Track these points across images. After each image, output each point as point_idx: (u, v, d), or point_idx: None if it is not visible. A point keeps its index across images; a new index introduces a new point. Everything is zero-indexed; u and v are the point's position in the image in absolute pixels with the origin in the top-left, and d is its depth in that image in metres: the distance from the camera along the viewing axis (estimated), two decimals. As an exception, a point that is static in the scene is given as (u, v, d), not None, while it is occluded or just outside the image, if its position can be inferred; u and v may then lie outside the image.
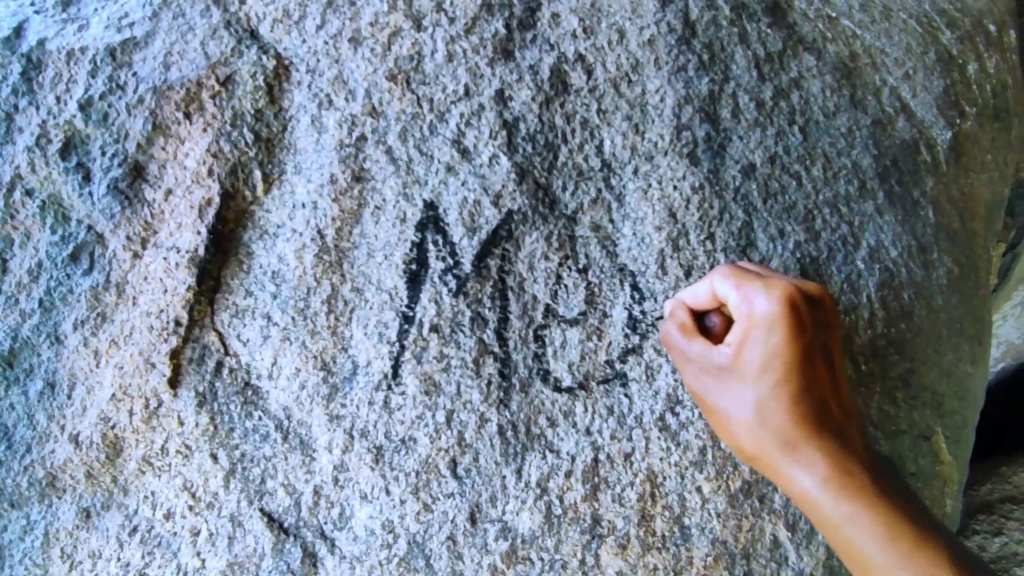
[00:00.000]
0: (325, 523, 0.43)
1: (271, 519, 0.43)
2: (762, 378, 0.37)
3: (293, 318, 0.46)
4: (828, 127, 0.62)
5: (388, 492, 0.44)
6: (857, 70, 0.70)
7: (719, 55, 0.62)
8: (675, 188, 0.54)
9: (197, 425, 0.44)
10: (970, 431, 0.61)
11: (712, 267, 0.51)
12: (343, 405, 0.45)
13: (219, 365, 0.45)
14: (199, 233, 0.46)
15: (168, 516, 0.43)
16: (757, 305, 0.38)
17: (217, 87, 0.49)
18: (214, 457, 0.43)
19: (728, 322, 0.42)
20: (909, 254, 0.58)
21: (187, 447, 0.43)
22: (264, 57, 0.51)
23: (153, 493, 0.43)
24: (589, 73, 0.57)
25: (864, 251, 0.56)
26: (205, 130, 0.48)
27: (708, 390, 0.40)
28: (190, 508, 0.43)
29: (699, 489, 0.46)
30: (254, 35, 0.52)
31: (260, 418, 0.44)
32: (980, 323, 0.66)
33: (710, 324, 0.43)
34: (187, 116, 0.48)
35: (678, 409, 0.47)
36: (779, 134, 0.60)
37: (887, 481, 0.36)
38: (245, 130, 0.49)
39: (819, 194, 0.58)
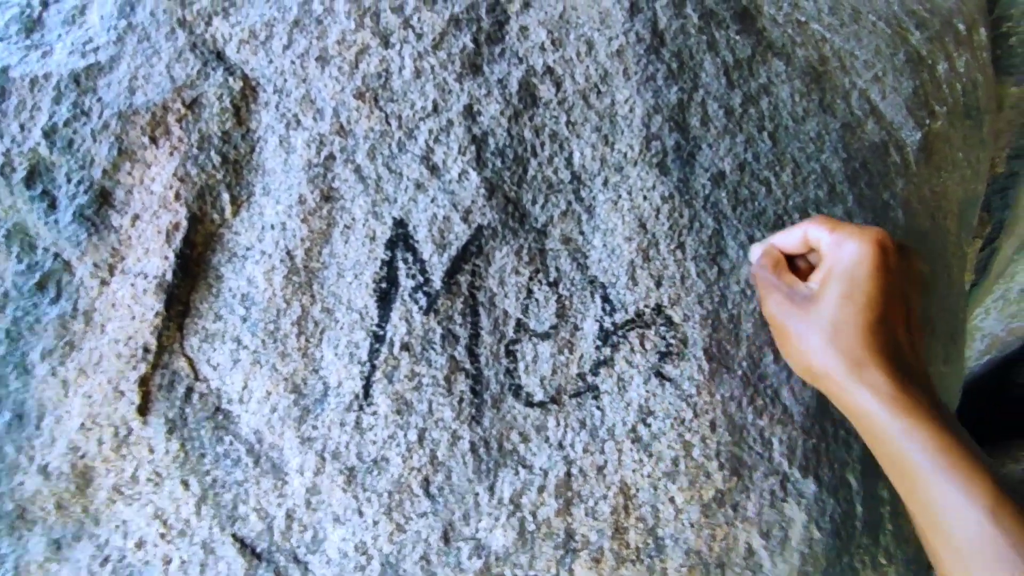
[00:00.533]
0: (298, 547, 0.43)
1: (244, 544, 0.43)
2: (842, 305, 0.40)
3: (263, 341, 0.46)
4: (797, 132, 0.63)
5: (361, 513, 0.43)
6: (826, 74, 0.71)
7: (688, 63, 0.62)
8: (645, 198, 0.54)
9: (167, 452, 0.43)
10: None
11: (682, 277, 0.52)
12: (314, 427, 0.45)
13: (189, 391, 0.45)
14: (167, 258, 0.46)
15: (140, 545, 0.43)
16: (848, 242, 0.41)
17: (183, 110, 0.49)
18: (185, 484, 0.43)
19: (811, 270, 0.45)
20: (879, 257, 0.59)
21: (158, 474, 0.43)
22: (231, 79, 0.51)
23: (124, 522, 0.43)
24: (558, 85, 0.57)
25: (834, 256, 0.57)
26: (171, 154, 0.48)
27: (786, 314, 0.43)
28: (162, 536, 0.43)
29: (672, 500, 0.46)
30: (220, 57, 0.52)
31: (231, 443, 0.44)
32: (954, 321, 0.66)
33: (796, 267, 0.46)
34: (153, 140, 0.48)
35: (650, 420, 0.47)
36: (748, 141, 0.60)
37: (945, 413, 0.39)
38: (212, 153, 0.49)
39: (789, 199, 0.58)
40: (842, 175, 0.62)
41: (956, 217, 0.79)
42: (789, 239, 0.46)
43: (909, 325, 0.41)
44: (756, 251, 0.50)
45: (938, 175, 0.76)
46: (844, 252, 0.41)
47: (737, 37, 0.66)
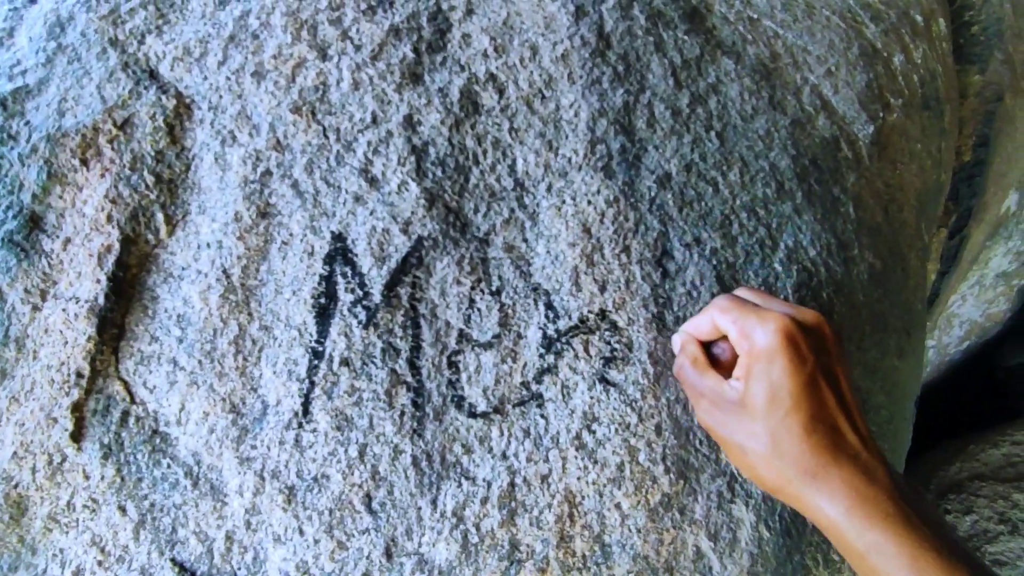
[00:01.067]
0: (239, 568, 0.43)
1: (183, 568, 0.42)
2: (771, 411, 0.38)
3: (200, 361, 0.45)
4: (746, 130, 0.63)
5: (302, 532, 0.43)
6: (777, 70, 0.71)
7: (635, 65, 0.62)
8: (589, 203, 0.54)
9: (103, 478, 0.43)
10: (900, 424, 0.61)
11: (627, 281, 0.51)
12: (253, 447, 0.44)
13: (125, 414, 0.44)
14: (99, 281, 0.45)
15: (77, 574, 0.42)
16: (756, 339, 0.39)
17: (115, 131, 0.49)
18: (122, 509, 0.43)
19: (735, 352, 0.42)
20: (828, 252, 0.59)
21: (94, 501, 0.43)
22: (164, 97, 0.51)
23: (62, 550, 0.43)
24: (501, 92, 0.57)
25: (782, 253, 0.57)
26: (103, 176, 0.47)
27: (721, 425, 0.41)
28: (99, 563, 0.42)
29: (618, 506, 0.46)
30: (153, 75, 0.51)
31: (169, 466, 0.44)
32: (909, 314, 0.66)
33: (719, 352, 0.44)
34: (84, 163, 0.47)
35: (595, 427, 0.47)
36: (696, 141, 0.60)
37: (912, 507, 0.37)
38: (145, 173, 0.48)
39: (736, 199, 0.58)
40: (791, 172, 0.62)
41: (915, 208, 0.80)
42: (700, 326, 0.45)
43: (843, 402, 0.40)
44: (676, 343, 0.47)
45: (893, 167, 0.77)
46: (756, 349, 0.39)
47: (685, 37, 0.66)
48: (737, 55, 0.69)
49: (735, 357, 0.43)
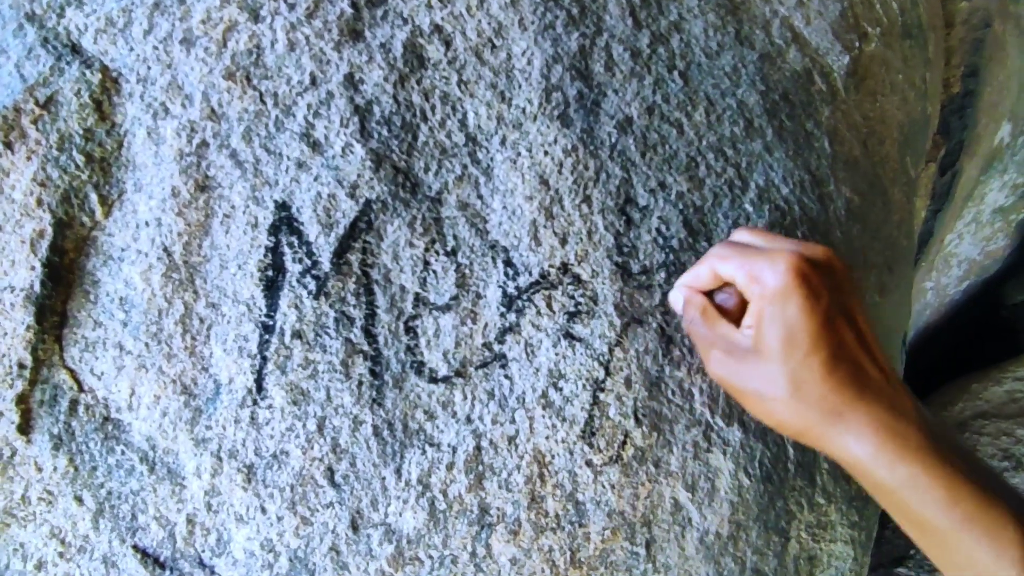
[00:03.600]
0: (203, 551, 0.42)
1: (146, 555, 0.41)
2: (789, 353, 0.36)
3: (147, 344, 0.44)
4: (711, 68, 0.60)
5: (264, 510, 0.42)
6: (744, 4, 0.67)
7: (590, 7, 0.59)
8: (546, 153, 0.52)
9: (56, 469, 0.42)
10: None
11: (589, 232, 0.49)
12: (208, 427, 0.43)
13: (73, 403, 0.43)
14: (33, 268, 0.43)
15: (40, 566, 0.41)
16: (766, 281, 0.37)
17: (38, 111, 0.46)
18: (79, 499, 0.42)
19: (740, 295, 0.41)
20: (802, 189, 0.56)
21: (49, 493, 0.42)
22: (88, 72, 0.48)
23: (22, 544, 0.42)
24: (447, 44, 0.54)
25: (752, 193, 0.54)
26: (29, 158, 0.45)
27: (736, 374, 0.39)
28: (61, 555, 0.41)
29: (590, 463, 0.44)
30: (76, 50, 0.49)
31: (123, 452, 0.42)
32: (892, 249, 0.64)
33: (723, 301, 0.41)
34: (7, 146, 0.45)
35: (561, 384, 0.45)
36: (657, 82, 0.57)
37: (942, 440, 0.35)
38: (75, 152, 0.46)
39: (702, 140, 0.56)
40: (760, 108, 0.59)
41: (898, 141, 0.77)
42: (700, 277, 0.42)
43: (862, 338, 0.38)
44: (676, 299, 0.44)
45: (873, 99, 0.73)
46: (768, 292, 0.37)
47: (644, -26, 0.63)
48: (701, -10, 0.65)
49: (741, 304, 0.41)
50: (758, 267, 0.38)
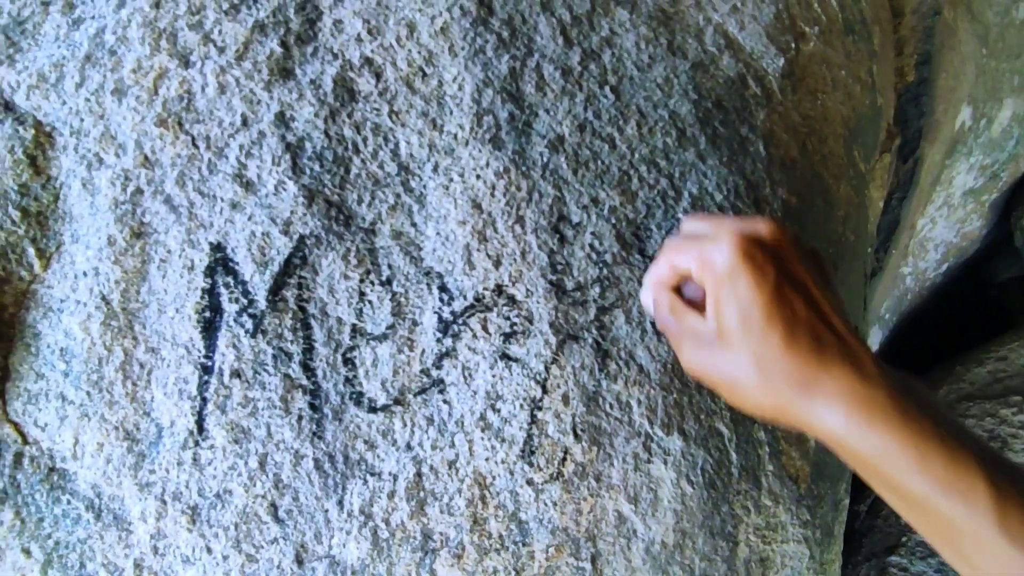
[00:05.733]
0: (150, 594, 0.42)
1: (94, 602, 0.42)
2: (746, 332, 0.37)
3: (88, 392, 0.44)
4: (643, 81, 0.61)
5: (209, 550, 0.42)
6: (678, 14, 0.68)
7: (521, 29, 0.60)
8: (478, 177, 0.52)
9: (2, 523, 0.42)
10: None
11: (523, 252, 0.50)
12: (152, 471, 0.43)
13: (18, 456, 0.43)
14: (-28, 326, 0.44)
15: (-9, 620, 0.42)
16: (715, 264, 0.38)
17: (-27, 170, 0.47)
18: (27, 552, 0.42)
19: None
20: (736, 195, 0.57)
21: (-3, 547, 0.42)
22: (21, 128, 0.49)
23: (-27, 599, 0.42)
24: (378, 76, 0.55)
25: (686, 202, 0.55)
26: (-34, 217, 0.46)
27: (706, 364, 0.39)
28: (11, 607, 0.42)
29: (530, 481, 0.45)
30: (8, 107, 0.50)
31: (69, 501, 0.43)
32: (837, 247, 0.65)
33: (691, 294, 0.42)
34: (-57, 207, 0.46)
35: (499, 405, 0.46)
36: (589, 99, 0.58)
37: (909, 399, 0.35)
38: (11, 209, 0.47)
39: (635, 152, 0.56)
40: (692, 117, 0.60)
41: (843, 137, 0.78)
42: (661, 274, 0.43)
43: (814, 305, 0.38)
44: (646, 299, 0.45)
45: (813, 98, 0.74)
46: (718, 275, 0.38)
47: (575, -8, 0.64)
48: (633, 4, 0.66)
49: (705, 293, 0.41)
50: (706, 252, 0.38)
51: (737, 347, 0.37)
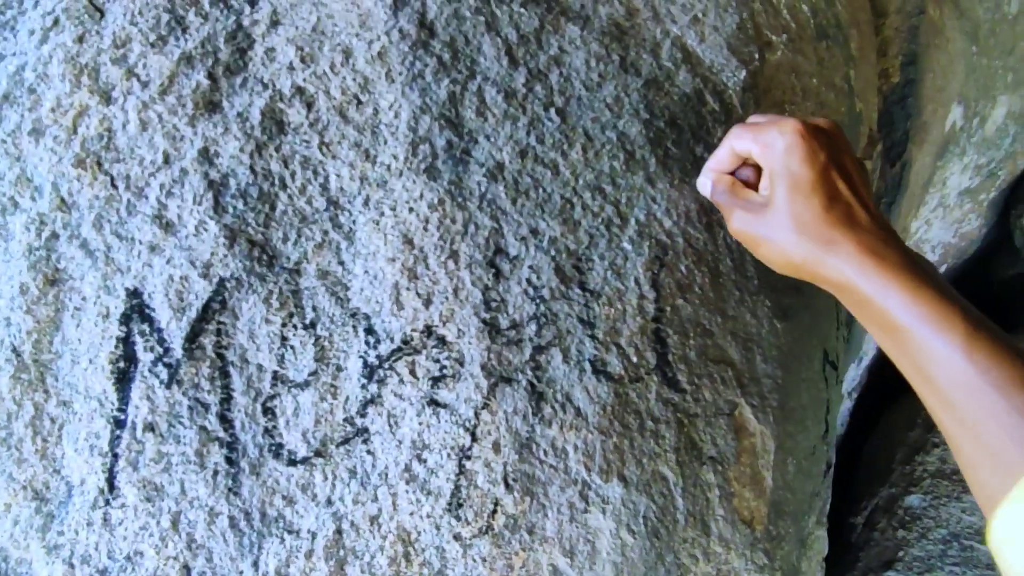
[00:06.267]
0: (58, 664, 0.40)
1: (-1, 672, 0.40)
2: (794, 198, 0.44)
3: (-4, 450, 0.43)
4: (592, 101, 0.58)
5: (118, 616, 0.41)
6: (634, 28, 0.66)
7: (463, 51, 0.58)
8: (411, 210, 0.50)
9: (-96, 590, 0.40)
10: (803, 392, 0.57)
11: (455, 290, 0.48)
12: (60, 533, 0.42)
13: (-76, 519, 0.42)
14: None
15: None
16: (775, 144, 0.45)
17: None
18: (-70, 619, 0.40)
19: (758, 170, 0.49)
20: (687, 220, 0.55)
21: (-100, 615, 0.41)
22: (-66, 174, 0.47)
23: None
24: (309, 106, 0.53)
25: (632, 230, 0.53)
26: None
27: (753, 224, 0.47)
28: None
29: (458, 536, 0.42)
30: (-78, 153, 0.48)
31: (-26, 566, 0.41)
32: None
33: (743, 178, 0.50)
34: None
35: (425, 455, 0.44)
36: (532, 122, 0.56)
37: (918, 265, 0.41)
38: (-79, 258, 0.46)
39: (578, 179, 0.54)
40: (642, 139, 0.57)
41: (814, 148, 0.74)
42: (722, 160, 0.50)
43: (854, 188, 0.45)
44: (703, 182, 0.52)
45: (779, 110, 0.71)
46: (775, 152, 0.45)
47: (523, 9, 0.61)
48: (585, 19, 0.64)
49: (756, 176, 0.49)
50: (769, 134, 0.46)
51: (782, 209, 0.44)
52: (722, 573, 0.47)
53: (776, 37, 0.75)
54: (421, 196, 0.51)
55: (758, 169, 0.49)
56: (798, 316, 0.59)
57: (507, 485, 0.43)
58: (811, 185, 0.44)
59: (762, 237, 0.46)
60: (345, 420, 0.44)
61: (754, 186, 0.49)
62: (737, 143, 0.48)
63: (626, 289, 0.50)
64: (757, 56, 0.71)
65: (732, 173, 0.50)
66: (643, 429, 0.46)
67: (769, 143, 0.46)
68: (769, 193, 0.46)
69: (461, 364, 0.46)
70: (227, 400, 0.44)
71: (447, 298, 0.47)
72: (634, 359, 0.48)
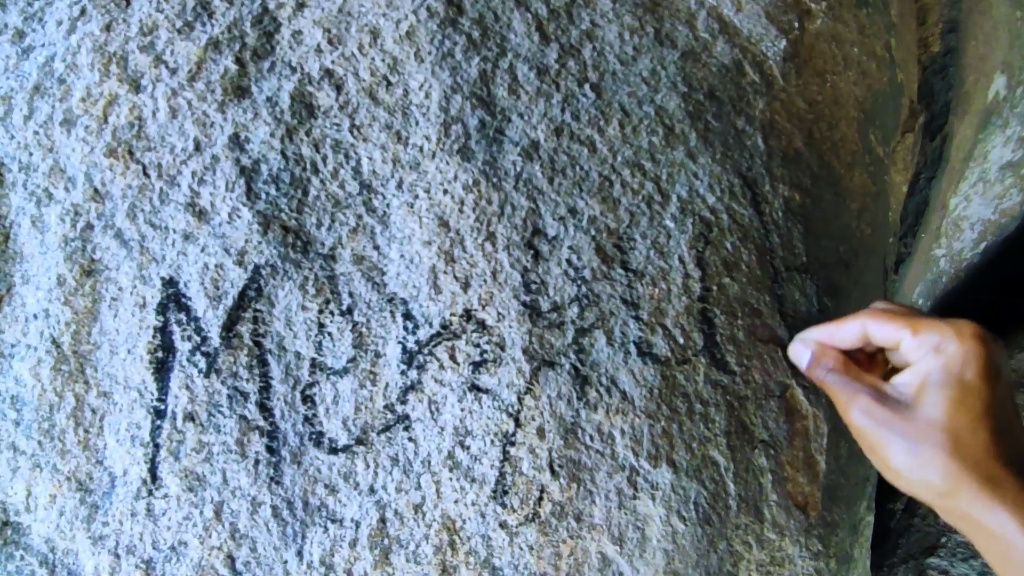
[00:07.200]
0: (107, 654, 0.40)
1: (51, 662, 0.40)
2: (956, 413, 0.38)
3: (40, 442, 0.42)
4: (627, 76, 0.56)
5: (165, 606, 0.40)
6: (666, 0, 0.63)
7: (493, 27, 0.56)
8: (446, 192, 0.49)
9: (-45, 582, 0.41)
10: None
11: (493, 273, 0.46)
12: (105, 523, 0.41)
13: (-29, 511, 0.42)
14: (-79, 377, 0.43)
15: None
16: (947, 347, 0.39)
17: (-80, 213, 0.46)
18: (-18, 610, 0.41)
19: (869, 358, 0.44)
20: (731, 195, 0.52)
21: (-48, 606, 0.41)
22: (-31, 166, 0.47)
23: (-67, 660, 0.41)
24: (339, 88, 0.52)
25: (674, 207, 0.50)
26: (-87, 263, 0.45)
27: (884, 423, 0.40)
28: (-32, 669, 0.40)
29: (504, 524, 0.41)
30: (-43, 147, 0.48)
31: (22, 557, 0.41)
32: (849, 242, 0.59)
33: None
34: None
35: (468, 441, 0.42)
36: (567, 99, 0.54)
37: None
38: (-40, 251, 0.46)
39: (617, 155, 0.52)
40: (681, 112, 0.55)
41: (857, 120, 0.71)
42: (842, 335, 0.44)
43: (1019, 414, 0.40)
44: (801, 351, 0.46)
45: (821, 80, 0.68)
46: (945, 356, 0.39)
47: (552, -17, 0.59)
48: (616, -9, 0.62)
49: (870, 364, 0.44)
50: (941, 334, 0.39)
51: (936, 423, 0.38)
52: (775, 560, 0.45)
53: (815, 5, 0.72)
54: (455, 177, 0.49)
55: (869, 357, 0.44)
56: (847, 293, 0.56)
57: (553, 471, 0.42)
58: (984, 406, 0.38)
59: (896, 443, 0.39)
60: (385, 407, 0.43)
61: (866, 370, 0.43)
62: (877, 328, 0.42)
63: (670, 268, 0.48)
64: (796, 24, 0.67)
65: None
66: (692, 412, 0.45)
67: (938, 344, 0.39)
68: (917, 395, 0.39)
69: (502, 348, 0.44)
70: (266, 388, 0.43)
71: (485, 281, 0.46)
72: (681, 340, 0.46)
